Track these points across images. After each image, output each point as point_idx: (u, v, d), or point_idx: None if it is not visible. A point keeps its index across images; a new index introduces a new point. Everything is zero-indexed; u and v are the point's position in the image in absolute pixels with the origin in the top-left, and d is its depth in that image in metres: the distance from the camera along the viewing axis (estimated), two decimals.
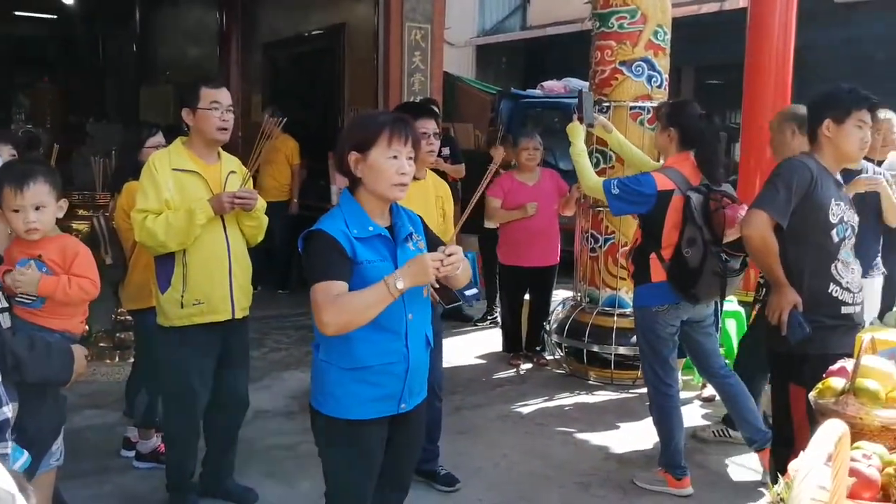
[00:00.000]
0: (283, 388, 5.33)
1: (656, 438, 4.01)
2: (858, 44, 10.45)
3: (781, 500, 1.57)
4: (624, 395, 5.39)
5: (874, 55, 10.22)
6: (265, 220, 3.58)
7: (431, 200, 3.75)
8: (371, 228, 2.37)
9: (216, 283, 3.38)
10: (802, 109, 4.28)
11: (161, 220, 3.24)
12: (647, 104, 5.41)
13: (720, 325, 4.52)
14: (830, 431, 1.42)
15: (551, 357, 6.08)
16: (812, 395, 2.18)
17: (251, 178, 3.52)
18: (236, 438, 3.72)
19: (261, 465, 4.06)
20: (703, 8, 11.43)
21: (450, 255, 2.27)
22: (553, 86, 10.42)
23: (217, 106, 3.36)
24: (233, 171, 3.49)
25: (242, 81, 10.21)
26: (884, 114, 4.46)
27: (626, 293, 5.30)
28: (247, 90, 10.17)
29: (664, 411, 3.90)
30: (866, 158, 3.99)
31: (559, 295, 6.46)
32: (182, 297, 3.33)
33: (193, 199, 3.30)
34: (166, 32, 13.23)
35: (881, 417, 1.94)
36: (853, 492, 1.70)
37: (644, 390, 4.23)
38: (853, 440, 1.86)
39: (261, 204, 3.48)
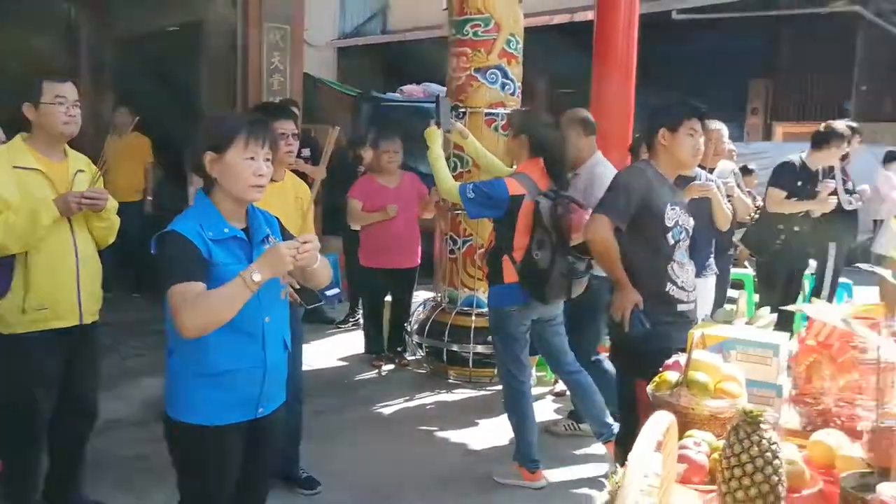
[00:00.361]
0: (138, 395, 5.12)
1: (512, 434, 4.14)
2: (694, 57, 11.14)
3: (620, 487, 1.66)
4: (482, 393, 5.52)
5: (708, 68, 10.94)
6: (117, 220, 3.45)
7: (290, 202, 3.72)
8: (226, 230, 2.33)
9: (62, 287, 3.24)
10: (584, 113, 4.59)
11: (0, 222, 3.07)
12: (501, 111, 5.56)
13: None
14: (659, 422, 1.52)
15: (413, 357, 6.15)
16: (650, 388, 2.32)
17: (101, 177, 3.39)
18: (84, 451, 3.55)
19: (112, 478, 3.90)
20: (555, 19, 11.85)
21: (305, 243, 2.25)
22: (413, 90, 10.51)
23: (62, 101, 3.21)
24: (81, 170, 3.35)
25: (93, 76, 9.73)
26: (714, 124, 4.77)
27: (484, 293, 5.41)
28: (98, 86, 9.70)
29: (518, 407, 4.02)
30: (700, 166, 4.26)
31: (420, 296, 6.54)
32: (24, 302, 3.16)
33: (37, 199, 3.14)
34: (7, 20, 12.42)
35: (710, 407, 2.08)
36: (685, 477, 1.82)
37: (501, 387, 4.35)
38: (686, 429, 2.00)
39: (112, 204, 3.36)
